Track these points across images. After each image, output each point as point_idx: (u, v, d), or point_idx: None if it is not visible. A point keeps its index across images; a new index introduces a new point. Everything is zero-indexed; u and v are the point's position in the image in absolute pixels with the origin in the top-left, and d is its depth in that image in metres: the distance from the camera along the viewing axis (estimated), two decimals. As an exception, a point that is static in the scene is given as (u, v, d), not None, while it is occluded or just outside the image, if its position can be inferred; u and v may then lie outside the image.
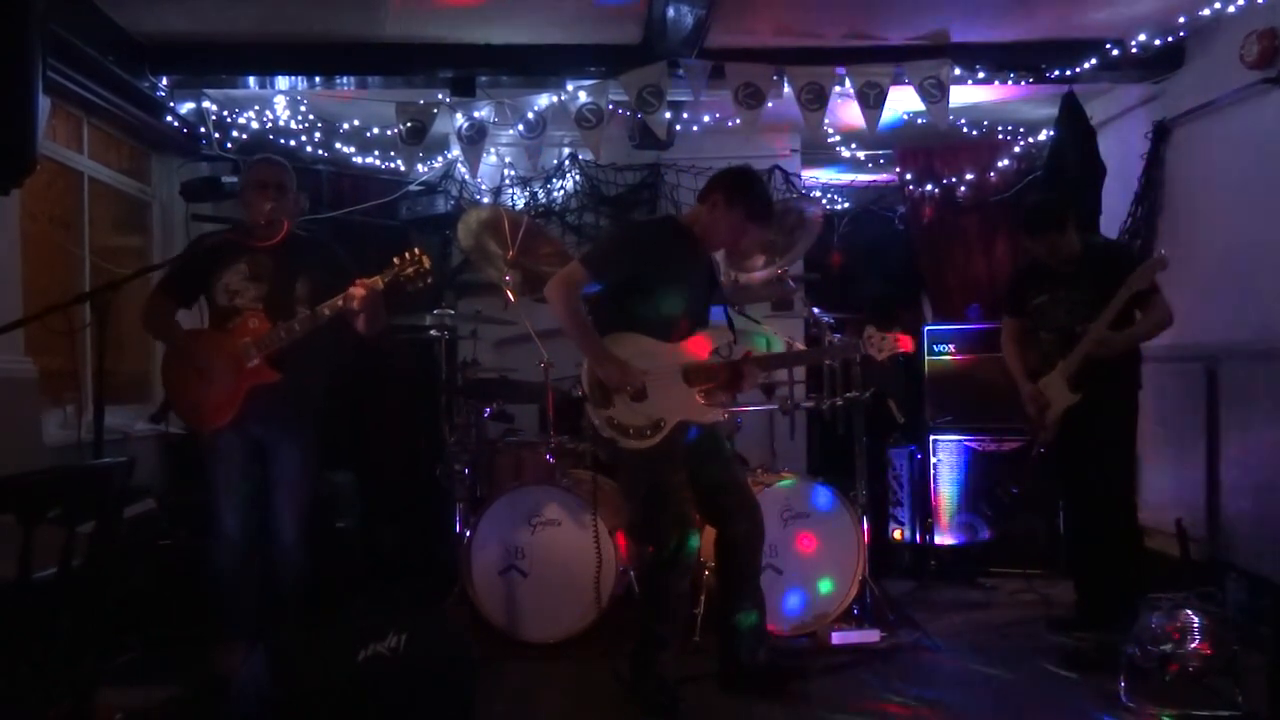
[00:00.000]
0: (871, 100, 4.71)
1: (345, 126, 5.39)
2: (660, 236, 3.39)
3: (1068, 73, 4.86)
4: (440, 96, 4.91)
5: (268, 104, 5.19)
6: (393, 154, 5.64)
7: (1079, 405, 3.76)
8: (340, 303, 3.24)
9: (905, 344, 3.38)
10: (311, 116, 5.32)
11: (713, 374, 3.32)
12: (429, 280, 3.31)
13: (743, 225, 3.33)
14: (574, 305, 3.22)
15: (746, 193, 3.30)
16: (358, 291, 3.22)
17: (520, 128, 4.95)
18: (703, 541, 3.81)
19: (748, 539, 3.38)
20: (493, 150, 5.63)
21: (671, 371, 3.27)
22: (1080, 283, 3.80)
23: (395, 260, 3.28)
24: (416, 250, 3.29)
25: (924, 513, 5.18)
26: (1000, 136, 5.94)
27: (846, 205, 6.77)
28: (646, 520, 3.27)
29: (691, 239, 3.38)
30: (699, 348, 3.34)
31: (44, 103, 3.03)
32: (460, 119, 4.89)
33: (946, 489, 5.20)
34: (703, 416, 3.32)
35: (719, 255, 4.41)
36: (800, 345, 4.54)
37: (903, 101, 5.00)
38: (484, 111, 4.90)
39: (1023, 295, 4.04)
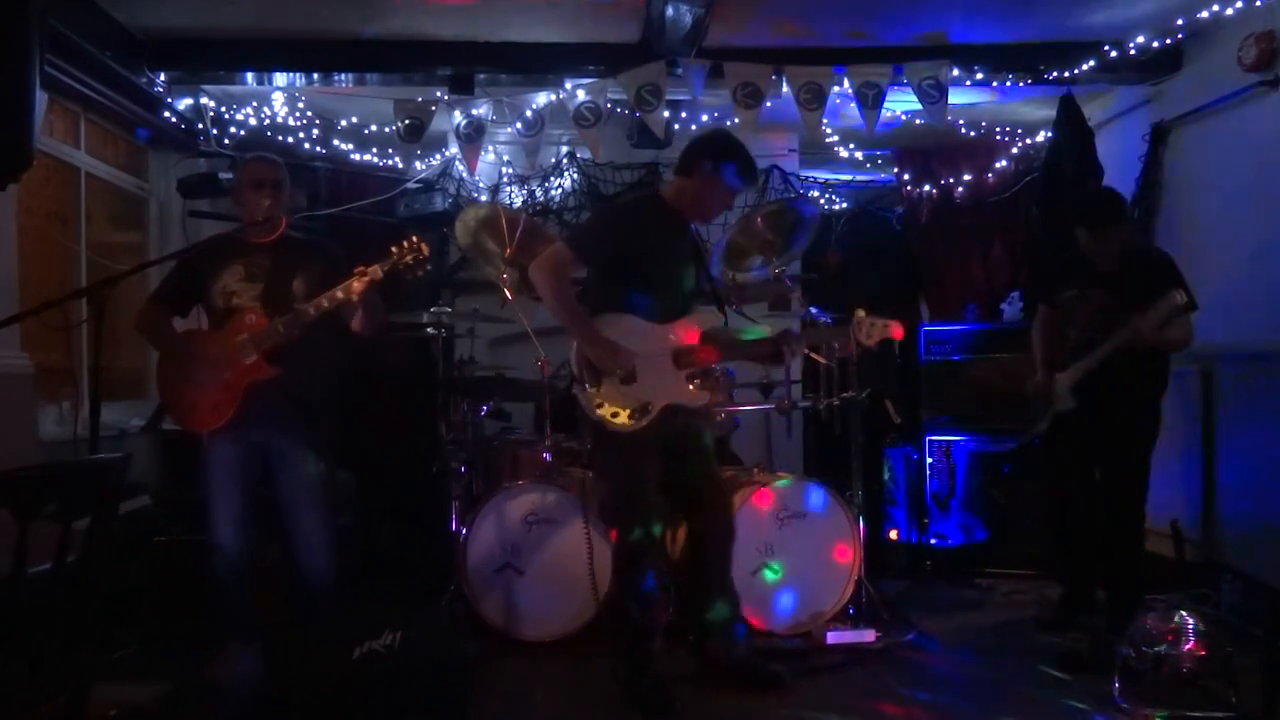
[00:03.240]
0: (870, 100, 4.71)
1: (343, 123, 5.39)
2: (644, 215, 3.37)
3: (1066, 74, 4.86)
4: (439, 94, 4.91)
5: (265, 100, 5.18)
6: (391, 151, 5.65)
7: (1094, 409, 3.75)
8: (340, 294, 3.14)
9: (897, 332, 3.34)
10: (309, 113, 5.31)
11: (698, 356, 3.31)
12: (427, 268, 3.24)
13: (734, 187, 3.34)
14: (559, 286, 3.20)
15: (733, 153, 3.31)
16: (356, 285, 3.13)
17: (518, 126, 4.95)
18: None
19: (713, 533, 3.39)
20: (491, 148, 5.63)
21: (661, 354, 3.26)
22: (1115, 286, 3.75)
23: (393, 250, 3.20)
24: (415, 239, 3.22)
25: (920, 513, 5.19)
26: (998, 137, 5.95)
27: (844, 205, 6.77)
28: (618, 506, 3.29)
29: (676, 215, 3.37)
30: (690, 330, 3.33)
31: (41, 98, 3.02)
32: (458, 117, 4.89)
33: (943, 489, 5.21)
34: (691, 400, 3.31)
35: (715, 252, 4.44)
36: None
37: (901, 102, 5.00)
38: (482, 109, 4.90)
39: (1055, 286, 4.00)
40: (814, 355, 4.41)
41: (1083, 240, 3.82)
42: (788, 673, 3.42)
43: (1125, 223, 3.82)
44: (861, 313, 3.35)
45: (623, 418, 3.18)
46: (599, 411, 3.20)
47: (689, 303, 3.38)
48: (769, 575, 3.93)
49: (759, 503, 3.95)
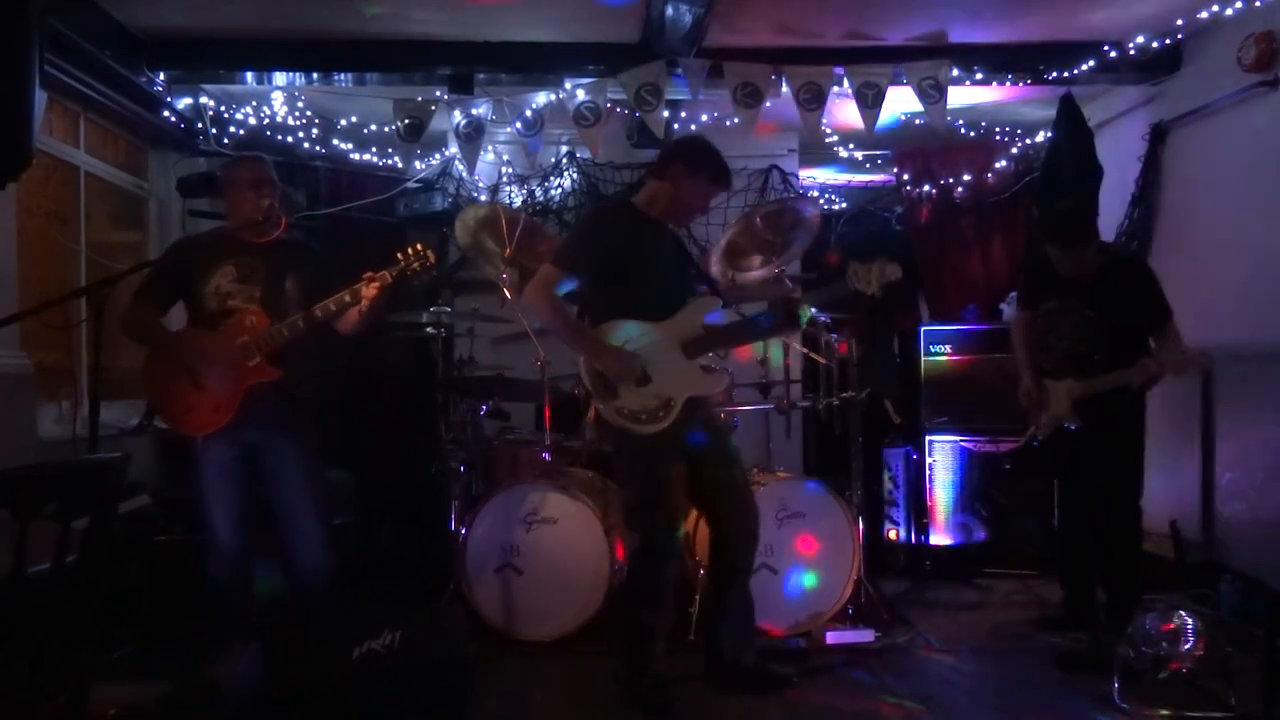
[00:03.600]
0: (869, 100, 4.71)
1: (343, 123, 5.38)
2: (620, 218, 3.38)
3: (1065, 74, 4.86)
4: (438, 93, 4.91)
5: (265, 100, 5.18)
6: (390, 151, 5.64)
7: (1085, 418, 3.76)
8: (348, 298, 3.17)
9: (894, 271, 3.27)
10: (309, 113, 5.30)
11: (710, 342, 3.32)
12: (434, 274, 3.29)
13: (707, 190, 3.34)
14: (556, 305, 3.21)
15: (706, 158, 3.31)
16: (368, 290, 3.16)
17: (518, 125, 4.95)
18: (699, 540, 3.83)
19: (739, 540, 3.37)
20: (490, 148, 5.62)
21: (670, 349, 3.26)
22: (1095, 297, 3.75)
23: (399, 256, 3.23)
24: (420, 245, 3.25)
25: (919, 513, 5.19)
26: (998, 138, 5.95)
27: (844, 205, 6.78)
28: (642, 508, 3.28)
29: (650, 219, 3.35)
30: (692, 321, 3.32)
31: (41, 97, 3.02)
32: (458, 116, 4.89)
33: (942, 489, 5.21)
34: (710, 389, 3.34)
35: (715, 256, 4.44)
36: (797, 346, 4.53)
37: (901, 102, 5.00)
38: (482, 109, 4.89)
39: (1037, 293, 4.01)
40: (813, 355, 4.41)
41: (1054, 257, 3.82)
42: (786, 682, 3.42)
43: (1094, 239, 3.79)
44: (855, 263, 3.30)
45: (648, 420, 3.17)
46: (622, 419, 3.19)
47: (684, 295, 3.37)
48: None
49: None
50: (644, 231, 3.33)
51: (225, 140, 5.20)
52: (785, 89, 4.71)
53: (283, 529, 3.31)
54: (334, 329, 3.35)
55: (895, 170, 6.24)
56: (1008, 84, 5.04)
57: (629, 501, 3.41)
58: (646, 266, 3.29)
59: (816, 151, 6.03)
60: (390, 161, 5.71)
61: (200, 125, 5.09)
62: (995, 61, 4.89)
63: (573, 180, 5.83)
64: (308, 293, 3.28)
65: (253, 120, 5.21)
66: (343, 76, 4.92)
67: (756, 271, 4.47)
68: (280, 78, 4.93)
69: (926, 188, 6.16)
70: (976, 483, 5.16)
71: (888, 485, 5.37)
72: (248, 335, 3.20)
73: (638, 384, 3.18)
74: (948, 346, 5.30)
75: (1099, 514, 3.84)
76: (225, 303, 3.26)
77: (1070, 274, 3.80)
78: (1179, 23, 4.49)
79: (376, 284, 3.17)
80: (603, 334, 3.23)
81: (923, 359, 5.31)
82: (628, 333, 3.23)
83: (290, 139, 5.35)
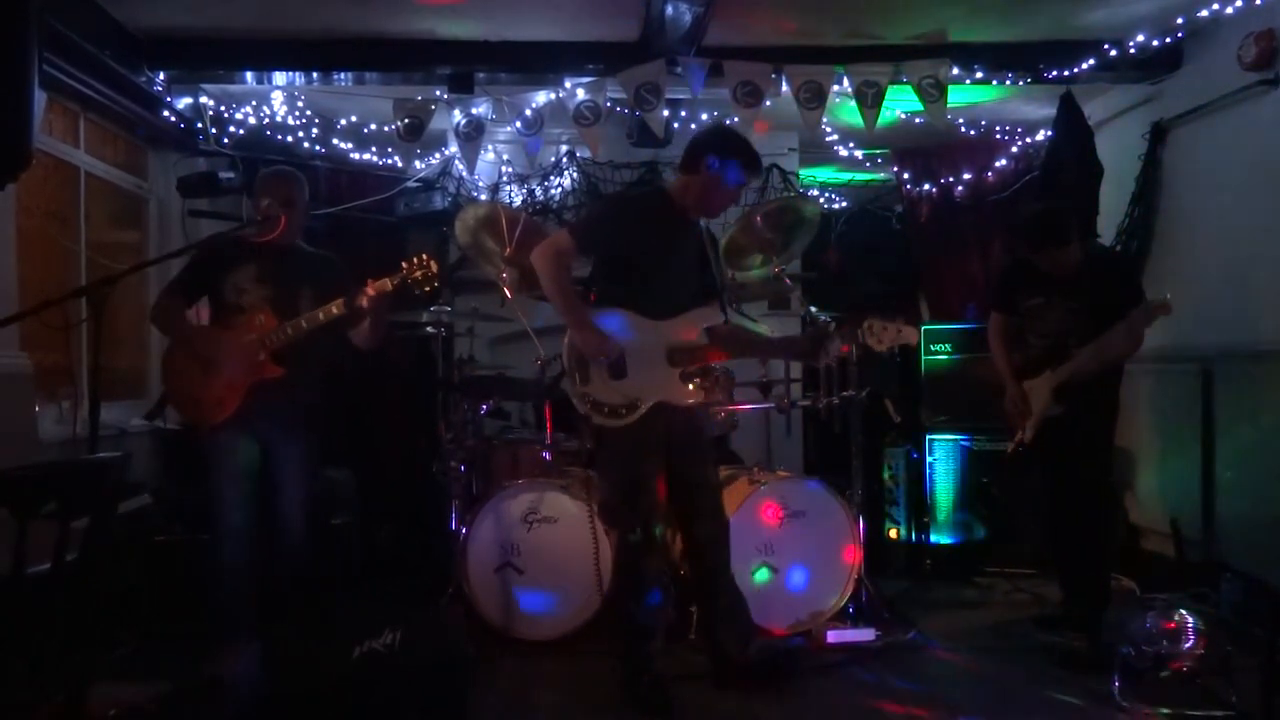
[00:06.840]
0: (869, 99, 4.70)
1: (343, 122, 5.39)
2: (647, 211, 3.36)
3: (1065, 73, 4.85)
4: (438, 93, 4.91)
5: (265, 99, 5.18)
6: (390, 150, 5.64)
7: (1068, 402, 3.76)
8: (350, 302, 3.28)
9: (910, 336, 3.24)
10: (309, 112, 5.30)
11: (697, 355, 3.30)
12: (435, 285, 3.34)
13: (737, 181, 3.29)
14: (556, 271, 3.19)
15: (736, 148, 3.28)
16: (368, 292, 3.27)
17: (518, 124, 4.95)
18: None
19: (712, 539, 3.37)
20: (490, 147, 5.63)
21: (656, 350, 3.24)
22: (1079, 292, 3.73)
23: (404, 264, 3.32)
24: (424, 255, 3.34)
25: (920, 512, 5.19)
26: (998, 136, 5.94)
27: (844, 204, 6.77)
28: (618, 505, 3.27)
29: (681, 212, 3.33)
30: (688, 328, 3.30)
31: (40, 96, 3.02)
32: (458, 115, 4.89)
33: (942, 488, 5.21)
34: (683, 399, 3.28)
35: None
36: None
37: (901, 101, 5.00)
38: (482, 108, 4.89)
39: (1015, 293, 3.98)
40: None
41: (1033, 259, 3.78)
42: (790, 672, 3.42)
43: (1073, 238, 3.69)
44: (874, 319, 3.24)
45: (610, 414, 3.17)
46: (586, 407, 3.20)
47: (690, 301, 3.34)
48: (757, 578, 3.90)
49: (758, 503, 3.94)
50: (670, 225, 3.31)
51: (225, 140, 5.20)
52: (785, 88, 4.71)
53: (269, 506, 3.43)
54: (348, 341, 3.48)
55: (895, 169, 6.23)
56: (1008, 83, 5.04)
57: (604, 499, 3.40)
58: (658, 264, 3.27)
59: (816, 150, 6.03)
60: (390, 161, 5.72)
61: (200, 125, 5.09)
62: (995, 60, 4.88)
63: (573, 179, 5.82)
64: (323, 301, 3.37)
65: (252, 120, 5.21)
66: (342, 76, 4.92)
67: (757, 271, 4.46)
68: (280, 77, 4.93)
69: (927, 186, 6.16)
70: (976, 481, 5.16)
71: (888, 484, 5.37)
72: (255, 333, 3.32)
73: (612, 375, 3.17)
74: (948, 345, 5.30)
75: (1079, 497, 3.84)
76: (240, 298, 3.40)
77: (1053, 270, 3.77)
78: (1179, 21, 4.49)
79: (377, 290, 3.26)
80: (598, 319, 3.23)
81: (923, 358, 5.31)
82: (619, 323, 3.22)
83: (290, 138, 5.35)
